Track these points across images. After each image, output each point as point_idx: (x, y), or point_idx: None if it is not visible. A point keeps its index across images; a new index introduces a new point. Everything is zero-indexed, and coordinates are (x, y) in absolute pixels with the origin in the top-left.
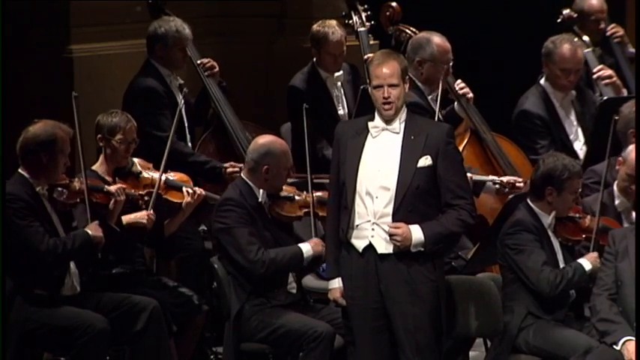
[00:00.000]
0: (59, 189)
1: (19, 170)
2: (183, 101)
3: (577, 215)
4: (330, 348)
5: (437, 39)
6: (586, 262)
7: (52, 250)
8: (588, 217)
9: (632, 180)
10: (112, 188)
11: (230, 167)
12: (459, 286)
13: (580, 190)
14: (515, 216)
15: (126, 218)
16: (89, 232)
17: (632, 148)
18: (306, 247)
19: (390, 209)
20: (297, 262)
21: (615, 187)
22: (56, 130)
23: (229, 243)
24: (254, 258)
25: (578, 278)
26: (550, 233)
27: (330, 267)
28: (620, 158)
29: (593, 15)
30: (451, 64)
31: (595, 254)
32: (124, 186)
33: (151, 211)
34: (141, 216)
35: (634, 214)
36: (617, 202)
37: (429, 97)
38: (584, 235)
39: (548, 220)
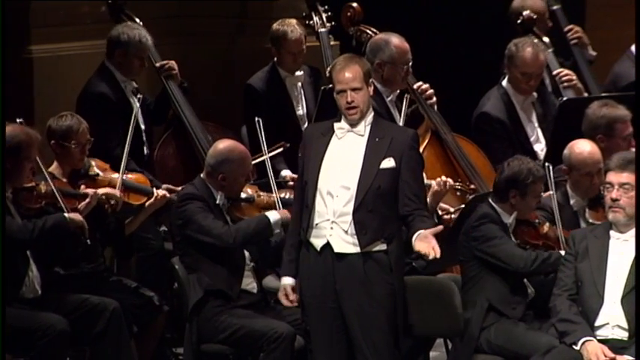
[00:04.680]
0: (24, 192)
1: None
2: (138, 105)
3: (536, 221)
4: (290, 348)
5: (395, 40)
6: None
7: (23, 229)
8: (547, 224)
9: (590, 178)
10: (90, 191)
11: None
12: (419, 286)
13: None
14: (479, 211)
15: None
16: (66, 215)
17: (568, 152)
18: (273, 213)
19: (349, 208)
20: (265, 227)
21: (568, 187)
22: (21, 136)
23: (194, 230)
24: (220, 231)
25: (554, 261)
26: (510, 233)
27: (285, 265)
28: (563, 167)
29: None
30: (410, 64)
31: None
32: (98, 192)
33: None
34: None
35: (587, 211)
36: (572, 201)
37: (388, 99)
38: (541, 242)
39: (509, 219)
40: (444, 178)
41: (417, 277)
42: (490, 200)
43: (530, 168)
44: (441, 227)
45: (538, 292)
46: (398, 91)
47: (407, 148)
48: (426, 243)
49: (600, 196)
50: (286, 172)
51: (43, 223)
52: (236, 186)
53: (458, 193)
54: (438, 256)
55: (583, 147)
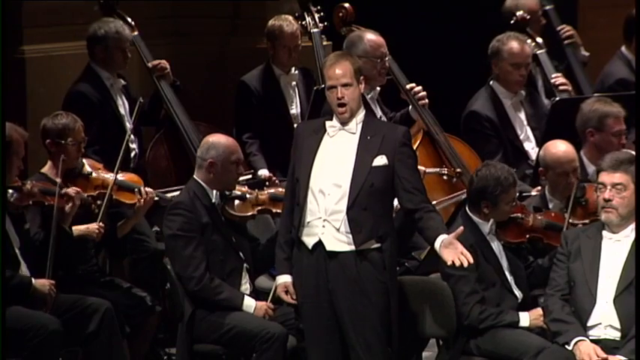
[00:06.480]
0: (11, 191)
1: None
2: (127, 104)
3: (520, 215)
4: (283, 349)
5: (369, 35)
6: (525, 319)
7: None
8: (532, 215)
9: (565, 177)
10: (70, 191)
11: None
12: (412, 286)
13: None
14: (450, 229)
15: (76, 230)
16: (33, 281)
17: (543, 153)
18: (251, 303)
19: (341, 206)
20: (231, 307)
21: (547, 191)
22: (11, 133)
23: (172, 250)
24: (190, 274)
25: (506, 324)
26: (489, 238)
27: (280, 263)
28: (540, 169)
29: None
30: (387, 58)
31: (539, 312)
32: (80, 189)
33: (101, 224)
34: (92, 229)
35: (566, 215)
36: (550, 205)
37: (369, 96)
38: (527, 236)
39: (487, 228)
40: None
41: (410, 277)
42: (467, 210)
43: (497, 177)
44: (461, 229)
45: (525, 296)
46: (378, 89)
47: (398, 145)
48: (453, 250)
49: (579, 199)
50: (264, 172)
51: (11, 276)
52: (227, 174)
53: (445, 177)
54: (472, 261)
55: (558, 146)
